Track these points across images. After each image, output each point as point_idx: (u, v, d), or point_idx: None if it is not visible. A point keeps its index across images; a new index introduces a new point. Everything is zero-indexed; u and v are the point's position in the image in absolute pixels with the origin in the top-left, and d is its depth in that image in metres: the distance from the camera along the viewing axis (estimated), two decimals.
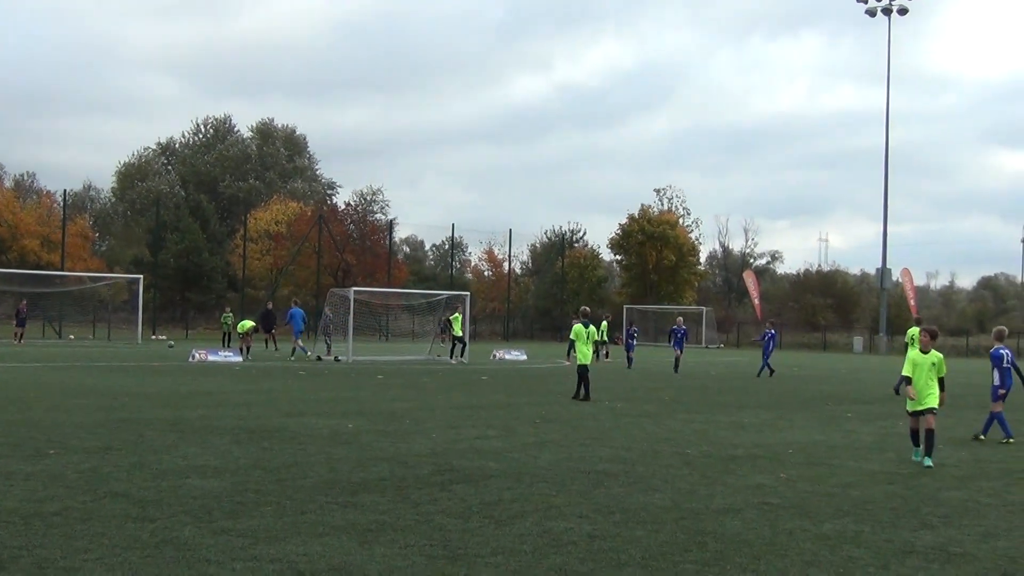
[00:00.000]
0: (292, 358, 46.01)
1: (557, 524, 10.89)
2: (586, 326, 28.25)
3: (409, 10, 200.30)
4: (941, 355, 16.77)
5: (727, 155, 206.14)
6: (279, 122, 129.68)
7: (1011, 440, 19.84)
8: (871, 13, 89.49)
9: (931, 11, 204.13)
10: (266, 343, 52.15)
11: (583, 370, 27.66)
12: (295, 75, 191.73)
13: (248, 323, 49.66)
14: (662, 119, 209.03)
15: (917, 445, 16.62)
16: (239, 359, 43.68)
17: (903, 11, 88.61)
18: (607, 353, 56.31)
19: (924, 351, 16.63)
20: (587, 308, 31.07)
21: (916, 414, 16.51)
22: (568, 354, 28.03)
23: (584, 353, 27.92)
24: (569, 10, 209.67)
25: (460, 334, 48.89)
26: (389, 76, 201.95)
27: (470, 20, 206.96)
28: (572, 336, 28.79)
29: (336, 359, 45.76)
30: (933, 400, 16.40)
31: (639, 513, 11.62)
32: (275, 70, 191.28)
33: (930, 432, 16.19)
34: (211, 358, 43.03)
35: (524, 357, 53.39)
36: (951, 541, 10.64)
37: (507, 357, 53.17)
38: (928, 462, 16.06)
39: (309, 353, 47.12)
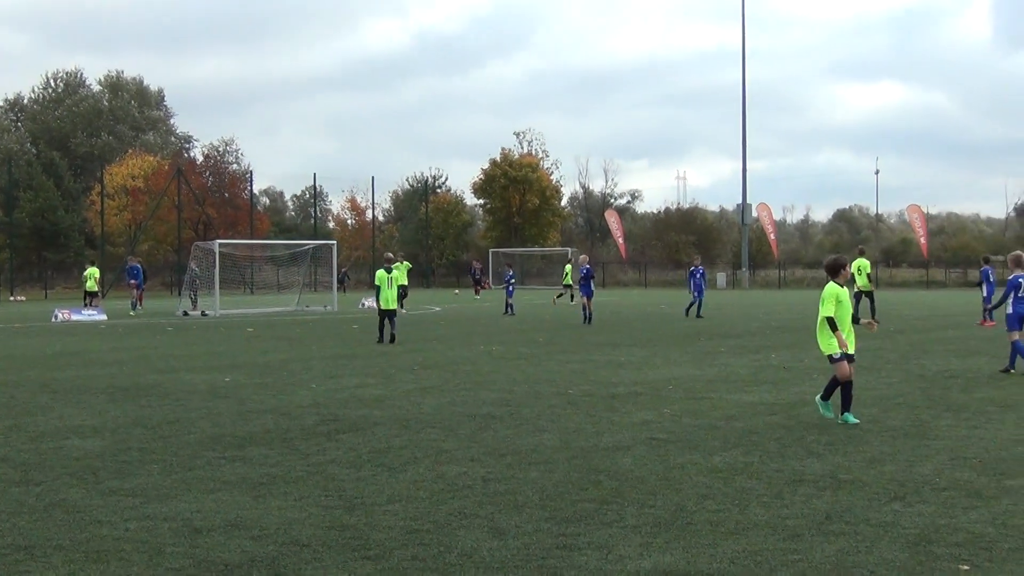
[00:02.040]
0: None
1: (450, 469, 10.84)
2: (388, 272, 29.23)
3: None
4: (828, 287, 14.01)
5: (585, 96, 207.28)
6: (129, 74, 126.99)
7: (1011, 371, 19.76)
8: None
9: None
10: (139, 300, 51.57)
11: (385, 314, 28.75)
12: (146, 26, 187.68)
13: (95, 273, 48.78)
14: (520, 62, 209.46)
15: (848, 406, 13.84)
16: (103, 317, 42.87)
17: None
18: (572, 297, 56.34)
19: (842, 285, 14.06)
20: (391, 255, 32.58)
21: (851, 359, 14.01)
22: (376, 299, 28.70)
23: (386, 298, 28.77)
24: None
25: (405, 283, 48.45)
26: (242, 25, 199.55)
27: None
28: (376, 282, 29.59)
29: (203, 313, 45.14)
30: (821, 343, 14.12)
31: (530, 454, 11.63)
32: (126, 21, 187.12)
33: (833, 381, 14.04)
34: (75, 317, 42.18)
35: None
36: (839, 468, 10.80)
37: (375, 305, 52.83)
38: (851, 418, 13.70)
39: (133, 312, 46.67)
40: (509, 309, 44.70)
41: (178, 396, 17.00)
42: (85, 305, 46.39)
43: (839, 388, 13.88)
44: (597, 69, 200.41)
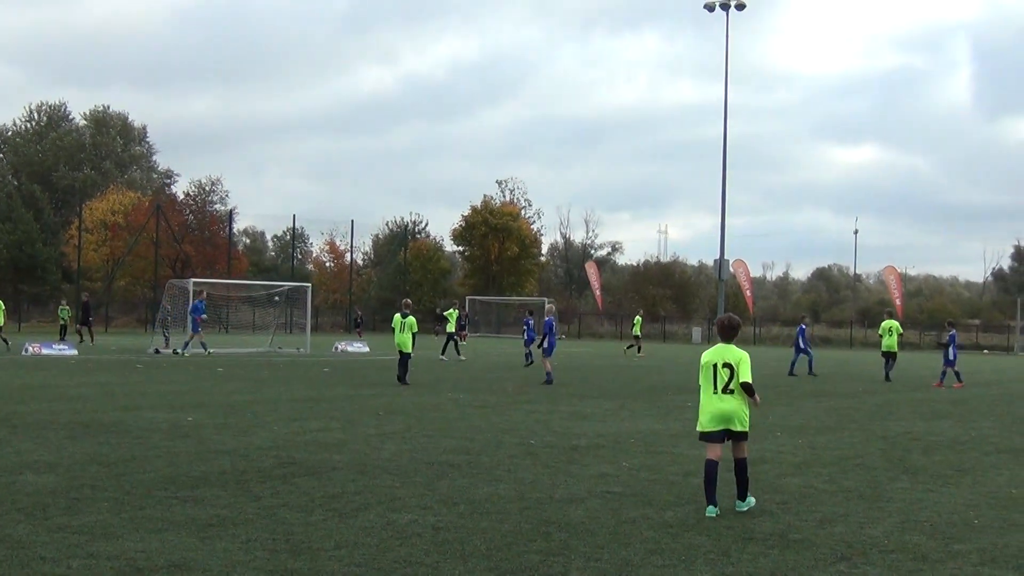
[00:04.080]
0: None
1: (401, 516, 10.83)
2: (404, 316, 30.64)
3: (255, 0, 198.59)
4: (744, 353, 12.06)
5: (569, 147, 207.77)
6: (116, 110, 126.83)
7: None
8: (709, 8, 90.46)
9: (768, 9, 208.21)
10: (81, 336, 51.08)
11: (401, 356, 30.19)
12: (137, 64, 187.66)
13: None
14: (506, 112, 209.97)
15: (714, 496, 11.48)
16: (74, 352, 42.72)
17: (740, 6, 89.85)
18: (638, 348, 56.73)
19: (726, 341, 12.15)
20: (408, 300, 32.56)
21: (716, 437, 11.76)
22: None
23: (399, 341, 30.28)
24: (413, 3, 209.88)
25: (453, 331, 48.25)
26: (233, 66, 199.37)
27: (315, 11, 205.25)
28: (392, 325, 31.38)
29: (175, 352, 44.99)
30: (746, 417, 11.84)
31: (483, 504, 11.62)
32: (117, 58, 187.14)
33: (743, 463, 11.83)
34: (45, 351, 42.04)
35: (366, 349, 53.15)
36: (790, 527, 10.83)
37: (349, 349, 52.89)
38: (743, 506, 11.73)
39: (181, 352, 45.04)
40: (528, 358, 41.88)
41: (138, 434, 16.94)
42: (60, 339, 46.25)
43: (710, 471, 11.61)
44: (583, 121, 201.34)
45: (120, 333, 74.43)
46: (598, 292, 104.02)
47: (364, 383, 29.85)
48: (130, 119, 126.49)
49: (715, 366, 11.81)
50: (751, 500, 11.81)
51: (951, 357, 35.17)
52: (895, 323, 38.34)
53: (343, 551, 9.25)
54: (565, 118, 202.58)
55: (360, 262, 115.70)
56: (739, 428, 11.66)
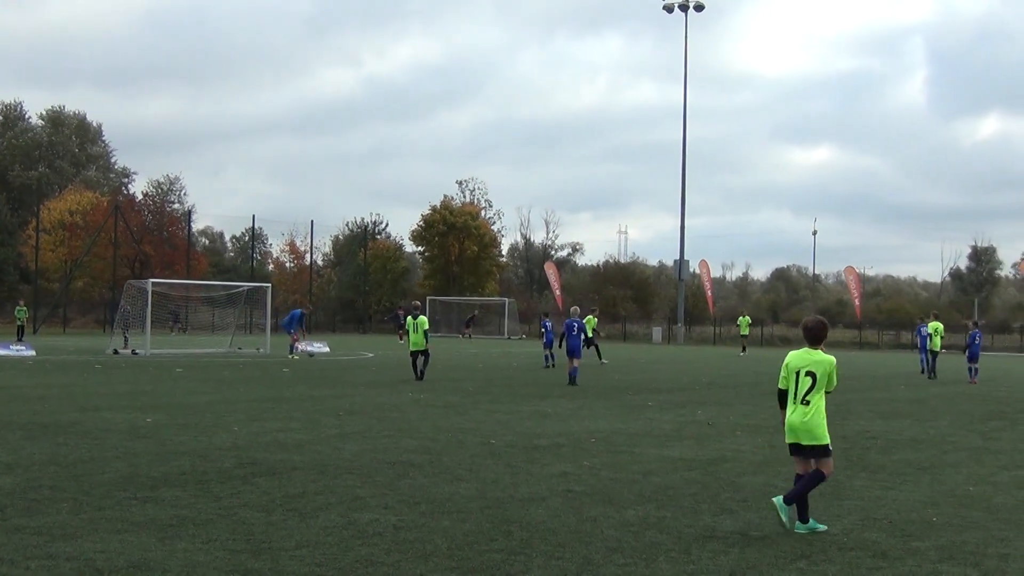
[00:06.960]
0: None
1: (362, 516, 10.81)
2: (415, 318, 32.73)
3: (216, 1, 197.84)
4: (832, 359, 11.20)
5: (530, 148, 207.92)
6: (72, 109, 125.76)
7: None
8: (668, 9, 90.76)
9: (728, 11, 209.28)
10: None
11: (413, 355, 32.33)
12: (99, 64, 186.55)
13: None
14: (468, 113, 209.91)
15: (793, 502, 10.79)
16: (32, 353, 42.44)
17: (699, 7, 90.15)
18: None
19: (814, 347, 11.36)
20: (418, 303, 35.59)
21: (793, 450, 10.96)
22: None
23: (413, 341, 32.38)
24: (375, 6, 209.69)
25: (591, 335, 47.12)
26: (194, 67, 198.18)
27: (277, 13, 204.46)
28: (407, 327, 33.59)
29: (134, 352, 44.77)
30: (820, 429, 10.73)
31: (445, 503, 11.61)
32: (78, 59, 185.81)
33: (820, 476, 10.82)
34: (2, 352, 41.75)
35: (327, 349, 53.00)
36: (751, 525, 10.86)
37: (309, 349, 52.72)
38: (801, 529, 10.65)
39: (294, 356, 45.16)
40: (549, 360, 41.56)
41: (97, 435, 16.85)
42: (18, 340, 45.87)
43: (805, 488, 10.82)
44: (544, 122, 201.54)
45: (79, 334, 74.00)
46: (558, 292, 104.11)
47: (324, 383, 29.78)
48: (87, 118, 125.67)
49: (798, 373, 10.93)
50: (815, 524, 10.70)
51: (971, 353, 37.48)
52: (939, 324, 41.01)
53: (304, 551, 9.23)
54: (526, 119, 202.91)
55: (320, 262, 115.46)
56: (807, 442, 10.69)
